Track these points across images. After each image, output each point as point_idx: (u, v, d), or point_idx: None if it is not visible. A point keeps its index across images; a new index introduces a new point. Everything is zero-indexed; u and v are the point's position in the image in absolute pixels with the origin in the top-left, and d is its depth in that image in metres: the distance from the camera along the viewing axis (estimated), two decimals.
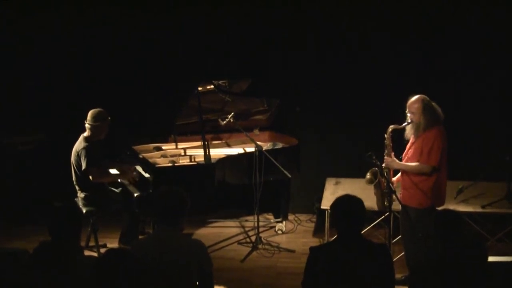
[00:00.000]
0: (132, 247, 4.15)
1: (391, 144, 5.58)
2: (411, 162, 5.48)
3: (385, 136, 5.56)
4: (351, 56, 7.49)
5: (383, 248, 3.93)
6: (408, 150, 5.57)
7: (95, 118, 6.25)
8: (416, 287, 3.78)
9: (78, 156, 6.20)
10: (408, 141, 5.59)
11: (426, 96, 5.42)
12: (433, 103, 5.42)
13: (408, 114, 5.45)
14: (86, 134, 6.28)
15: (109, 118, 6.32)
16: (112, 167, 6.53)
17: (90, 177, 6.19)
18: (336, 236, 3.93)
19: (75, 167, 6.26)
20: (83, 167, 6.16)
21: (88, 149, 6.17)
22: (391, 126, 5.54)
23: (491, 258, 4.11)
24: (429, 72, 7.28)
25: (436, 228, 3.88)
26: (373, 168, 5.57)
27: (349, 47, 7.49)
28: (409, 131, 5.52)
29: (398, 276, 5.21)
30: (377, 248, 3.89)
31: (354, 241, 3.84)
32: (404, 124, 5.49)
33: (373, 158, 5.37)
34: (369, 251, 3.82)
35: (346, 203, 3.90)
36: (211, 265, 4.07)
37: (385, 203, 5.59)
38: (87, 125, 6.25)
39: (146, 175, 6.50)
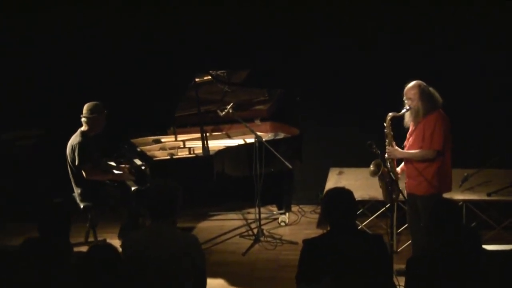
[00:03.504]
0: (126, 241, 4.16)
1: (392, 133, 5.45)
2: (413, 149, 5.35)
3: (385, 124, 5.43)
4: (351, 45, 7.39)
5: (377, 239, 3.89)
6: (409, 138, 5.43)
7: (91, 110, 6.18)
8: (411, 276, 3.70)
9: (72, 150, 6.13)
10: (408, 129, 5.46)
11: (422, 82, 5.30)
12: (430, 88, 5.30)
13: (406, 101, 5.32)
14: (83, 128, 6.21)
15: (105, 111, 6.24)
16: (113, 167, 6.49)
17: (84, 174, 6.12)
18: (329, 228, 3.89)
19: (69, 162, 6.19)
20: (77, 162, 6.10)
21: (83, 144, 6.10)
22: (390, 114, 5.40)
23: (490, 247, 4.06)
24: (430, 59, 7.17)
25: (431, 218, 3.83)
26: (377, 160, 5.43)
27: (349, 37, 7.39)
28: (408, 119, 5.37)
29: (403, 267, 5.12)
30: (371, 239, 3.90)
31: (347, 233, 3.81)
32: (403, 111, 5.34)
33: (373, 147, 5.26)
34: (363, 243, 3.79)
35: (335, 196, 3.88)
36: (204, 261, 4.03)
37: (393, 195, 5.44)
38: (83, 119, 6.19)
39: (139, 162, 6.44)
